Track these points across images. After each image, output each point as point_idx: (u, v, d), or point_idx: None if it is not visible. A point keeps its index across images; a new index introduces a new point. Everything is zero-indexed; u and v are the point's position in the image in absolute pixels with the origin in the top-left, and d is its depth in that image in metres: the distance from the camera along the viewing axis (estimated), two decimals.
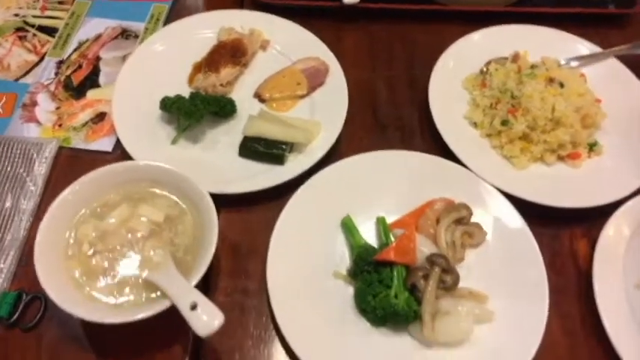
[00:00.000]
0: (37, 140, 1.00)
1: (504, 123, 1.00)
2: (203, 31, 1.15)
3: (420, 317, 0.80)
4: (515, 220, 0.91)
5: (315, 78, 1.09)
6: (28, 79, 1.11)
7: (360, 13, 1.22)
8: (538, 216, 0.93)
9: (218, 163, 0.99)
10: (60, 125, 1.04)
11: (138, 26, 1.21)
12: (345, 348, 0.81)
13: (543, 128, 0.98)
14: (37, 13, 1.22)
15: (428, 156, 0.97)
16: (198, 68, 1.10)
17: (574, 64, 1.13)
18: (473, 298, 0.84)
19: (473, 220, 0.91)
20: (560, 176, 0.99)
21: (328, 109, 1.05)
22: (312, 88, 1.08)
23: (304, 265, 0.87)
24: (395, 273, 0.83)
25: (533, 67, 1.06)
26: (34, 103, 1.07)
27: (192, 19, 1.16)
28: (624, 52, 1.13)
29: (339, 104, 1.04)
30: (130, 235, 0.82)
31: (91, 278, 0.78)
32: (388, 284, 0.82)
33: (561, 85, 1.01)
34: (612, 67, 1.12)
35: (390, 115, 1.10)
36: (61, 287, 0.75)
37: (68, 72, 1.12)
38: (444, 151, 0.99)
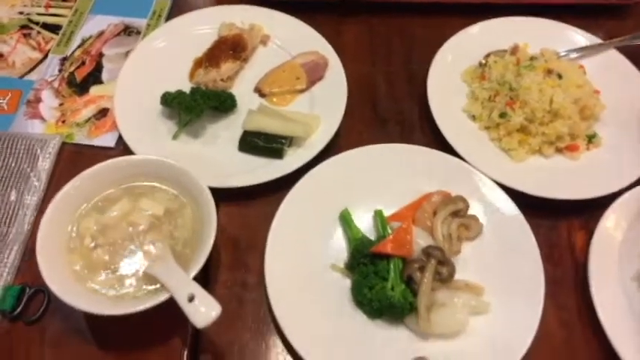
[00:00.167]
0: (41, 136, 1.02)
1: (502, 115, 1.00)
2: (204, 26, 1.16)
3: (416, 309, 0.81)
4: (512, 212, 0.91)
5: (314, 72, 1.09)
6: (33, 76, 1.12)
7: (360, 8, 1.23)
8: (536, 208, 0.93)
9: (218, 158, 1.00)
10: (63, 121, 1.06)
11: (140, 22, 1.22)
12: (341, 340, 0.82)
13: (541, 120, 0.98)
14: (42, 10, 1.24)
15: (425, 149, 0.98)
16: (199, 63, 1.11)
17: (573, 55, 1.12)
18: (469, 289, 0.84)
19: (470, 212, 0.92)
20: (558, 168, 0.99)
21: (327, 103, 1.05)
22: (312, 83, 1.09)
23: (302, 258, 0.88)
24: (391, 265, 0.84)
25: (532, 59, 1.06)
26: (38, 100, 1.09)
27: (193, 14, 1.17)
28: (624, 43, 1.13)
29: (338, 98, 1.05)
30: (130, 229, 0.83)
31: (93, 271, 0.79)
32: (384, 276, 0.83)
33: (559, 77, 1.01)
34: (612, 58, 1.12)
35: (390, 109, 1.10)
36: (63, 280, 0.76)
37: (72, 69, 1.14)
38: (443, 144, 0.99)
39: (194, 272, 0.76)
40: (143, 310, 0.74)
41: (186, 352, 0.82)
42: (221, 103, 1.03)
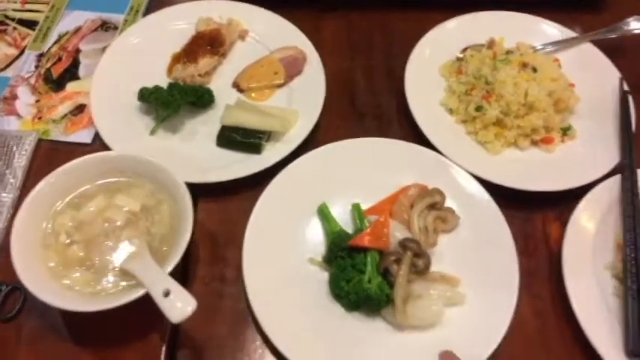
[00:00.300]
0: (17, 133, 1.01)
1: (479, 109, 1.01)
2: (182, 21, 1.16)
3: (392, 301, 0.82)
4: (488, 204, 0.92)
5: (292, 67, 1.09)
6: (9, 73, 1.12)
7: (339, 2, 1.23)
8: (511, 200, 0.94)
9: (196, 153, 1.00)
10: (39, 118, 1.05)
11: (117, 18, 1.21)
12: (319, 333, 0.82)
13: (516, 113, 0.99)
14: (18, 6, 1.23)
15: (402, 143, 0.98)
16: (177, 59, 1.11)
17: (549, 49, 1.14)
18: (445, 281, 0.85)
19: (447, 205, 0.92)
20: (534, 161, 1.00)
21: (306, 97, 1.06)
22: (290, 77, 1.09)
23: (280, 253, 0.88)
24: (368, 258, 0.85)
25: (508, 52, 1.07)
26: (14, 97, 1.08)
27: (171, 9, 1.17)
28: (599, 36, 1.15)
29: (316, 93, 1.05)
30: (106, 225, 0.83)
31: (68, 268, 0.79)
32: (362, 269, 0.84)
33: (534, 70, 1.02)
34: (587, 51, 1.13)
35: (368, 103, 1.11)
36: (38, 277, 0.76)
37: (48, 65, 1.13)
38: (420, 138, 1.00)
39: (170, 268, 0.76)
40: (119, 307, 0.74)
41: (164, 348, 0.82)
42: (199, 99, 1.03)
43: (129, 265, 0.78)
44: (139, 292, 0.74)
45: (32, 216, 0.80)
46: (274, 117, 1.00)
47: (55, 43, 1.16)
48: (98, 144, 1.00)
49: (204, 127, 1.03)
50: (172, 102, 0.99)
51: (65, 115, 1.05)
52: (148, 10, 1.22)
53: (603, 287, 0.87)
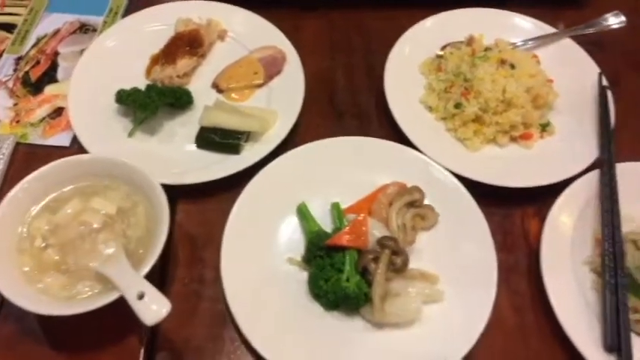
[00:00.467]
0: None
1: (457, 106, 1.01)
2: (160, 22, 1.15)
3: (371, 299, 0.81)
4: (466, 201, 0.92)
5: (272, 67, 1.09)
6: None
7: (319, 1, 1.23)
8: (491, 196, 0.94)
9: (175, 155, 0.99)
10: (17, 121, 1.04)
11: (96, 20, 1.21)
12: (298, 333, 0.82)
13: (495, 110, 0.99)
14: None
15: (381, 141, 0.98)
16: (155, 60, 1.11)
17: (529, 45, 1.14)
18: (424, 279, 0.85)
19: (426, 202, 0.92)
20: (513, 157, 1.01)
21: (285, 97, 1.05)
22: (270, 77, 1.09)
23: (259, 253, 0.88)
24: (347, 257, 0.84)
25: (486, 49, 1.07)
26: None
27: (149, 11, 1.16)
28: (577, 32, 1.15)
29: (295, 93, 1.05)
30: (82, 228, 0.82)
31: (43, 272, 0.79)
32: (340, 268, 0.84)
33: (512, 67, 1.02)
34: (567, 47, 1.14)
35: (347, 102, 1.11)
36: (12, 282, 0.76)
37: (26, 68, 1.12)
38: (400, 136, 1.00)
39: (146, 270, 0.76)
40: (95, 310, 0.73)
41: (142, 351, 0.81)
42: (177, 100, 1.02)
43: (104, 269, 0.77)
44: (114, 296, 0.73)
45: (7, 221, 0.80)
46: (253, 117, 1.00)
47: (34, 46, 1.16)
48: (76, 147, 1.00)
49: (183, 128, 1.03)
50: (150, 104, 0.99)
51: (43, 118, 1.05)
52: (127, 12, 1.21)
53: (581, 282, 0.87)
